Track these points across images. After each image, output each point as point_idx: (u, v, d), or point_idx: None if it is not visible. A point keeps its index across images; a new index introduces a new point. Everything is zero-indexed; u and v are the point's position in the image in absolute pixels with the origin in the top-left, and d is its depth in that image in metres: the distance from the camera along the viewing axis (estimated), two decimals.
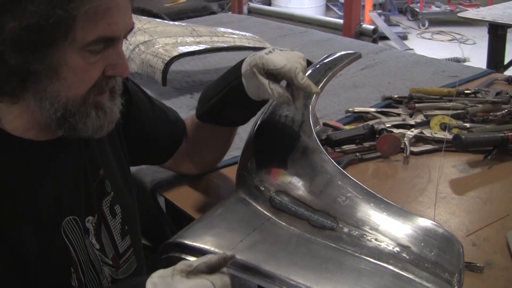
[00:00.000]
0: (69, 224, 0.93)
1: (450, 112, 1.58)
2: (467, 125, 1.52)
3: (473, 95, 1.73)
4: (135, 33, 2.04)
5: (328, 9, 7.16)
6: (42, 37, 0.78)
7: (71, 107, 0.86)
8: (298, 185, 0.98)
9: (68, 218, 0.93)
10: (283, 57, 1.01)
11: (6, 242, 0.85)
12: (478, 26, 5.52)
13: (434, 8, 6.90)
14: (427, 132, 1.49)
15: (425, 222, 0.89)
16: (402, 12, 7.19)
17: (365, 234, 0.89)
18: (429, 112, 1.60)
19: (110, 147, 1.07)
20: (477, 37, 5.99)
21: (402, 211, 0.92)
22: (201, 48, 1.97)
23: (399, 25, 6.68)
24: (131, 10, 0.88)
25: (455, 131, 1.48)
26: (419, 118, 1.59)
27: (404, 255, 0.86)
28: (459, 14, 3.48)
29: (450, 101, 1.65)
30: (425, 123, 1.55)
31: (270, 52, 1.02)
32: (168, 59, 1.83)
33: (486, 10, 3.38)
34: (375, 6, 6.71)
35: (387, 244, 0.87)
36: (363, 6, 5.85)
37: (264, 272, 0.85)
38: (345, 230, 0.90)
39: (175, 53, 1.85)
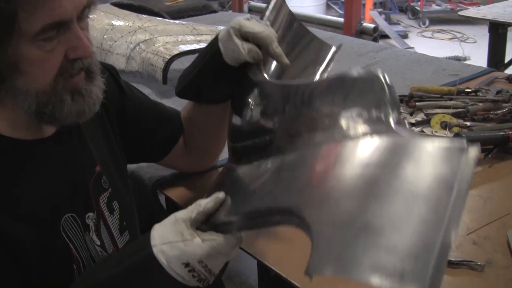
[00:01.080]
0: (68, 222, 0.93)
1: (451, 110, 1.58)
2: (468, 123, 1.52)
3: (473, 94, 1.73)
4: (136, 32, 2.04)
5: (328, 7, 7.15)
6: None
7: (43, 98, 0.85)
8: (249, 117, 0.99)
9: (66, 215, 0.93)
10: (261, 25, 1.07)
11: (5, 243, 0.84)
12: (478, 24, 5.51)
13: (434, 7, 6.90)
14: (427, 131, 1.49)
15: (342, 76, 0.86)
16: (402, 10, 7.18)
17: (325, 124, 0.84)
18: (429, 111, 1.60)
19: (106, 144, 1.07)
20: (477, 36, 5.99)
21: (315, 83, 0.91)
22: (201, 46, 1.97)
23: (399, 24, 6.67)
24: None
25: (456, 129, 1.48)
26: (420, 116, 1.59)
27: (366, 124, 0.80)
28: (459, 13, 3.48)
29: (451, 99, 1.65)
30: (426, 122, 1.55)
31: (248, 19, 1.07)
32: (168, 58, 1.83)
33: (487, 8, 3.38)
34: (375, 5, 6.71)
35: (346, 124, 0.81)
36: (364, 4, 5.86)
37: (248, 213, 0.82)
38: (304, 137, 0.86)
39: (176, 52, 1.85)
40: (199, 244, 0.80)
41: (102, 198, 1.02)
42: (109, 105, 1.08)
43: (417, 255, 0.57)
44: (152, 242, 0.81)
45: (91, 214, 0.98)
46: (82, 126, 1.00)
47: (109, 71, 1.13)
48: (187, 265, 0.80)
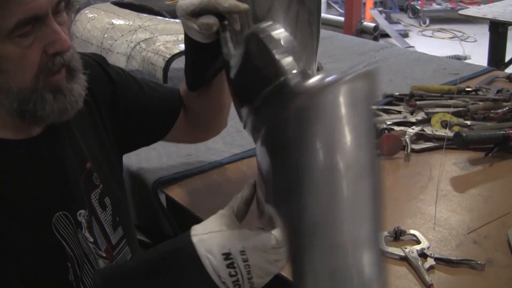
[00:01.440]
0: (60, 220, 0.93)
1: (451, 109, 1.58)
2: (468, 122, 1.52)
3: (474, 93, 1.73)
4: (136, 31, 2.04)
5: (329, 6, 7.15)
6: None
7: (24, 95, 0.84)
8: None
9: (58, 214, 0.93)
10: None
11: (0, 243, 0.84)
12: (479, 23, 5.51)
13: (435, 6, 6.90)
14: (428, 130, 1.49)
15: None
16: (403, 9, 7.18)
17: None
18: (430, 110, 1.60)
19: (96, 139, 1.06)
20: (478, 35, 5.99)
21: None
22: None
23: (400, 23, 6.67)
24: None
25: (456, 128, 1.48)
26: (420, 115, 1.59)
27: None
28: (460, 12, 3.48)
29: (451, 98, 1.65)
30: (426, 121, 1.55)
31: None
32: (169, 57, 1.83)
33: (487, 7, 3.37)
34: (376, 4, 6.72)
35: None
36: (364, 3, 5.86)
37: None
38: None
39: (176, 51, 1.85)
40: (246, 231, 0.78)
41: (94, 194, 1.01)
42: (99, 98, 1.07)
43: (354, 247, 0.58)
44: (193, 233, 0.79)
45: (82, 211, 0.97)
46: (72, 122, 0.99)
47: (98, 62, 1.12)
48: (227, 256, 0.76)
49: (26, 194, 0.89)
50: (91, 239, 0.99)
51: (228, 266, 0.76)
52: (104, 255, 1.01)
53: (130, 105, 1.15)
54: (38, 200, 0.91)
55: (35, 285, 0.88)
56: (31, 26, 0.81)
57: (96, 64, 1.11)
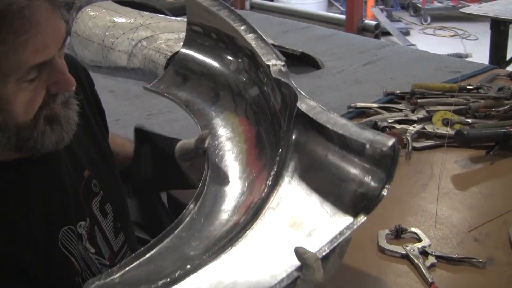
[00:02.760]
0: (65, 235, 0.91)
1: (452, 107, 1.58)
2: (469, 120, 1.52)
3: (475, 91, 1.73)
4: (138, 29, 2.05)
5: (330, 4, 7.14)
6: None
7: (23, 132, 0.82)
8: None
9: (63, 229, 0.91)
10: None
11: (9, 267, 0.83)
12: (480, 21, 5.49)
13: (436, 4, 6.88)
14: (429, 128, 1.49)
15: None
16: (404, 7, 7.17)
17: None
18: (431, 108, 1.60)
19: (91, 141, 1.05)
20: (479, 33, 5.97)
21: None
22: None
23: (401, 21, 6.66)
24: (58, 15, 0.80)
25: (457, 126, 1.48)
26: (421, 113, 1.59)
27: None
28: (461, 10, 3.47)
29: (452, 96, 1.65)
30: (427, 119, 1.55)
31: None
32: (170, 55, 1.83)
33: (488, 5, 3.37)
34: (377, 2, 6.70)
35: None
36: (365, 1, 5.84)
37: None
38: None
39: (178, 49, 1.84)
40: None
41: (94, 203, 1.00)
42: (86, 100, 1.05)
43: None
44: None
45: (82, 223, 0.96)
46: None
47: (83, 67, 1.11)
48: None
49: (29, 213, 0.87)
50: (93, 250, 0.97)
51: None
52: (108, 263, 1.00)
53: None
54: (41, 217, 0.89)
55: None
56: (38, 71, 0.79)
57: (82, 68, 1.10)
